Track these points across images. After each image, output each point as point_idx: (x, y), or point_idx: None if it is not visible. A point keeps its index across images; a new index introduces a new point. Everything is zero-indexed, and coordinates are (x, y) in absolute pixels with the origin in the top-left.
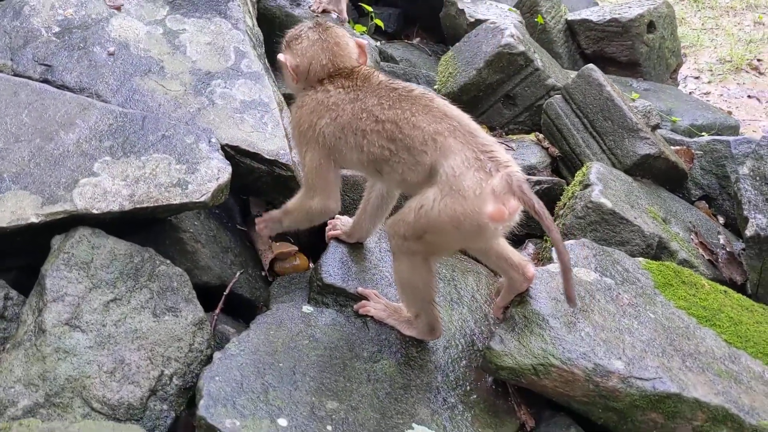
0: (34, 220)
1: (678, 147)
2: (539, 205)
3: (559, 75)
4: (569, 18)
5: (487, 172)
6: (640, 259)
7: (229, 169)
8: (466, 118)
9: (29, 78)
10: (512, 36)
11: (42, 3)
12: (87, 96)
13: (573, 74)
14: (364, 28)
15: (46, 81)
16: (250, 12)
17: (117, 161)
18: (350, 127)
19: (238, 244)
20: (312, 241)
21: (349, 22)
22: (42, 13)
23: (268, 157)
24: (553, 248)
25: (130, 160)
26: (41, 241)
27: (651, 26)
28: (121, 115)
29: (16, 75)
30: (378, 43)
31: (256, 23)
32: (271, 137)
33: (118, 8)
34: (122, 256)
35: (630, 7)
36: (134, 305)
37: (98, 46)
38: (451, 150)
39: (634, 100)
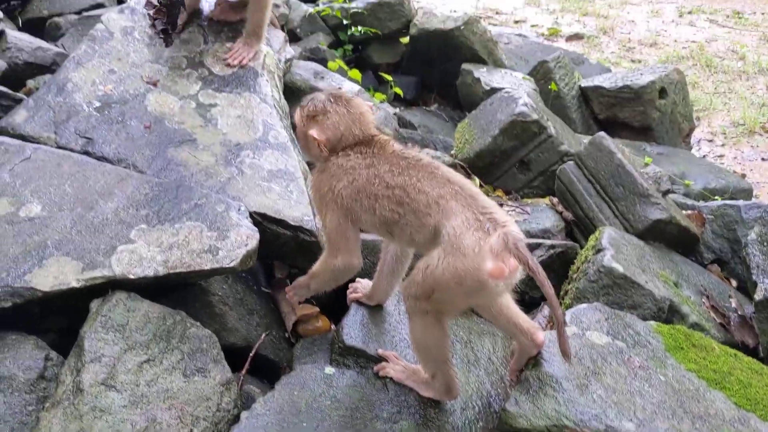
0: (75, 284)
1: (689, 211)
2: (533, 261)
3: (572, 141)
4: (582, 84)
5: (486, 232)
6: (652, 322)
7: (257, 235)
8: (467, 184)
9: (71, 150)
10: (526, 105)
11: (84, 79)
12: (124, 167)
13: (586, 140)
14: (384, 96)
15: (86, 153)
16: (277, 86)
17: (152, 229)
18: (364, 191)
19: (263, 306)
20: (333, 303)
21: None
22: (84, 89)
23: (293, 223)
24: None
25: (164, 228)
26: (80, 304)
27: (662, 92)
28: (157, 185)
29: (59, 147)
30: (397, 110)
31: (282, 96)
32: (296, 204)
33: (155, 84)
34: (156, 318)
35: (642, 74)
36: (166, 366)
37: (135, 120)
38: (452, 212)
39: (647, 164)
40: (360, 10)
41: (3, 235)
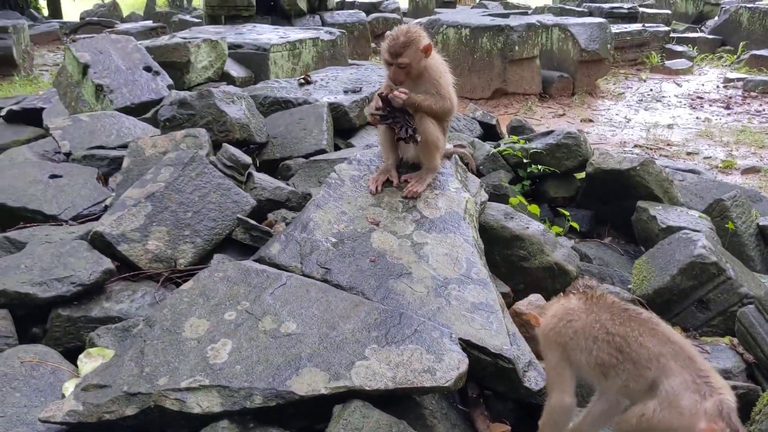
0: (323, 391)
1: None
2: None
3: (751, 283)
4: (761, 223)
5: (702, 395)
6: None
7: (467, 360)
8: (687, 344)
9: (313, 278)
10: (704, 247)
11: (322, 219)
12: (355, 293)
13: (765, 280)
14: (560, 229)
15: (325, 281)
16: (475, 227)
17: (382, 349)
18: (583, 332)
19: (461, 422)
20: (523, 423)
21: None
22: (322, 227)
23: (493, 351)
24: None
25: (391, 349)
26: (318, 408)
27: None
28: (384, 312)
29: (303, 275)
30: (572, 242)
31: (478, 235)
32: (495, 334)
33: (377, 224)
34: (384, 425)
35: None
36: None
37: (363, 254)
38: (672, 371)
39: None
40: (539, 150)
41: (268, 347)
